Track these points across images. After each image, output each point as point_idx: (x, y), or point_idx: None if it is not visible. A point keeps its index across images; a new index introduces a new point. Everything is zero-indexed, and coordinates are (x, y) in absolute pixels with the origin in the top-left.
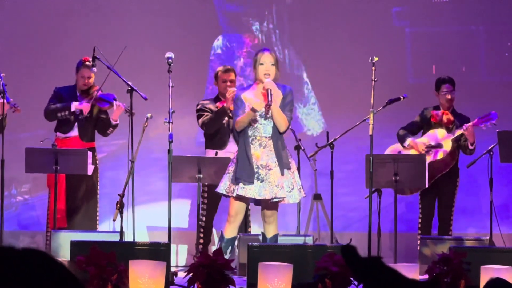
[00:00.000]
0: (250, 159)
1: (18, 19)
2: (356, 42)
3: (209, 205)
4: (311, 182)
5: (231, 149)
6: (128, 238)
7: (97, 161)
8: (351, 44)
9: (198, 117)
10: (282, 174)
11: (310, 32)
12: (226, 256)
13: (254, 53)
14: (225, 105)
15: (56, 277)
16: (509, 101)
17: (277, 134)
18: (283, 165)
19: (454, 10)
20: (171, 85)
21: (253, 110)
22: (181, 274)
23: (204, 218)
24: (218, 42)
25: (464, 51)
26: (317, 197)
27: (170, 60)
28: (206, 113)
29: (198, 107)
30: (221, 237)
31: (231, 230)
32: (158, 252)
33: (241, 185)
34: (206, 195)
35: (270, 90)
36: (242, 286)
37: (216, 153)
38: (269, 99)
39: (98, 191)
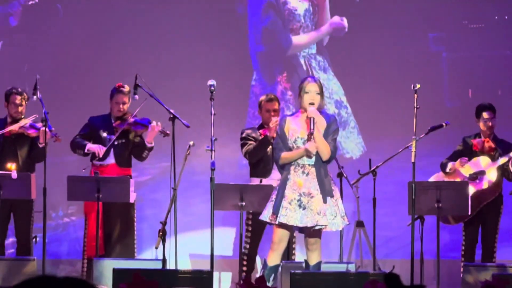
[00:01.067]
0: (283, 190)
1: (63, 47)
2: (394, 67)
3: (253, 232)
4: (354, 209)
5: (275, 177)
6: (170, 265)
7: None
8: (390, 69)
9: (242, 145)
10: (325, 202)
11: (349, 57)
12: (269, 284)
13: (300, 81)
14: (268, 134)
15: None
16: None
17: (320, 162)
18: (326, 193)
19: (489, 35)
20: (213, 112)
21: (307, 153)
22: None
23: (248, 246)
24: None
25: (499, 75)
26: (359, 224)
27: (212, 88)
28: (250, 142)
29: (243, 135)
30: (264, 265)
31: (274, 258)
32: (200, 279)
33: (282, 212)
34: (250, 222)
35: (313, 118)
36: None
37: (261, 181)
38: (312, 127)
39: (135, 218)
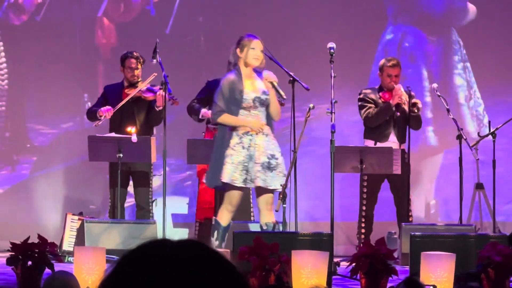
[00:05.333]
0: None
1: (177, 18)
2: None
3: (369, 194)
4: (473, 171)
5: (392, 141)
6: (290, 228)
7: None
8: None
9: (360, 107)
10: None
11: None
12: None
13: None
14: (391, 102)
15: (216, 267)
16: None
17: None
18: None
19: None
20: (333, 75)
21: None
22: (344, 264)
23: (364, 208)
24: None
25: None
26: (479, 186)
27: (332, 50)
28: (369, 105)
29: (361, 96)
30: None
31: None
32: (321, 242)
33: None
34: (366, 184)
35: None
36: (405, 276)
37: (375, 143)
38: (279, 94)
39: None
